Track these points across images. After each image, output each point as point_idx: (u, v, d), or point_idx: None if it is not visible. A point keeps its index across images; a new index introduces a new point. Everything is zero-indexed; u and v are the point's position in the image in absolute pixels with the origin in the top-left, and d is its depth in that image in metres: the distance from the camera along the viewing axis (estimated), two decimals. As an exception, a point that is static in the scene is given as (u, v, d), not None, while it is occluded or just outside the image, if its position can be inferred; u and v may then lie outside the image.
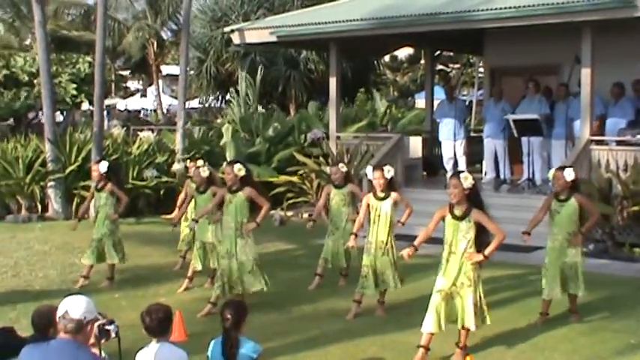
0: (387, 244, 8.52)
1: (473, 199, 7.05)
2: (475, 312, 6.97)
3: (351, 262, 9.94)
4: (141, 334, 5.23)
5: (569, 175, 8.23)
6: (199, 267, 10.00)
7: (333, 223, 10.04)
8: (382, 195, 8.54)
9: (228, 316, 5.34)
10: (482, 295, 7.13)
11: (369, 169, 8.90)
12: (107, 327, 4.78)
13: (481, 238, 7.07)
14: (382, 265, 8.51)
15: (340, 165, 10.19)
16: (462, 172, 7.16)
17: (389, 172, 8.52)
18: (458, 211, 7.05)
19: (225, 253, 8.71)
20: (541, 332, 7.91)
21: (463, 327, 7.05)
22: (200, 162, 10.87)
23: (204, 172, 9.98)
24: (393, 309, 8.70)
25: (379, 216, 8.51)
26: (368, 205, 8.61)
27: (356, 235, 8.71)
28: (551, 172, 8.60)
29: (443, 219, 7.18)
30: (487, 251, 6.99)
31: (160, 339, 5.04)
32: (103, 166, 10.32)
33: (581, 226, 8.31)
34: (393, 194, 8.56)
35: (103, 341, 4.78)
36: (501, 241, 7.00)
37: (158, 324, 5.03)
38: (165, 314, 5.09)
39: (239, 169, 8.59)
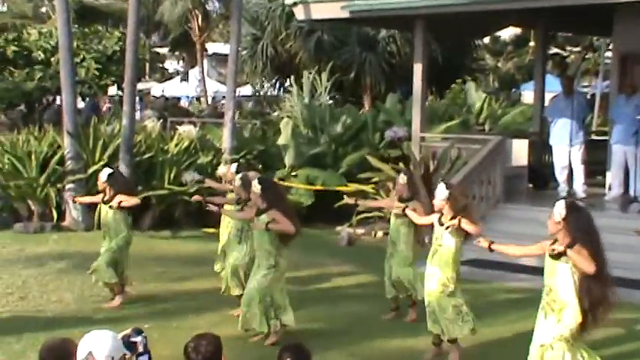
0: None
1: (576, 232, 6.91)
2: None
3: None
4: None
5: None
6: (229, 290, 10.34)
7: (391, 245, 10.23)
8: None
9: (290, 361, 5.33)
10: None
11: None
12: (133, 339, 4.73)
13: None
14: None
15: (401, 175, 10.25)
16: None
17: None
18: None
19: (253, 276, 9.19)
20: None
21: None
22: (234, 166, 11.05)
23: (237, 181, 10.14)
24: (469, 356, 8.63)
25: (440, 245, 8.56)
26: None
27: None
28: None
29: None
30: None
31: None
32: (104, 174, 10.64)
33: None
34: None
35: (127, 356, 4.69)
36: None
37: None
38: (216, 347, 4.92)
39: (255, 186, 9.03)
